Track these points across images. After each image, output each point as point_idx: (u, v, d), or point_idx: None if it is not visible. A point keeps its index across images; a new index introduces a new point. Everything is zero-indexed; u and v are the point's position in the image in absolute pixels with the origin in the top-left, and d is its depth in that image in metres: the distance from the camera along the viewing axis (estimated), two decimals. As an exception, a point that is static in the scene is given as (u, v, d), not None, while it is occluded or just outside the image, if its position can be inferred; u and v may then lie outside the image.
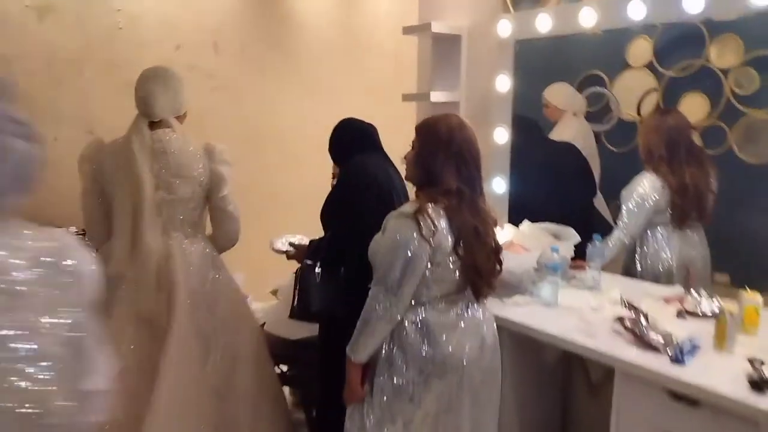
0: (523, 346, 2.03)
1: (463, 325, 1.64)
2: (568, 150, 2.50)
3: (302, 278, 1.98)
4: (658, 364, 1.60)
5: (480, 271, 1.63)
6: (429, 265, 1.58)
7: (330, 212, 2.11)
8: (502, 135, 2.38)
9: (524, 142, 2.43)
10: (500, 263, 1.72)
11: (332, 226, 2.09)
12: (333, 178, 2.37)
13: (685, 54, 2.20)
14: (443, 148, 1.60)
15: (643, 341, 1.72)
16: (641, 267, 2.34)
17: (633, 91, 2.35)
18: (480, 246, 1.62)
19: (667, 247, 2.30)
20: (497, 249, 1.71)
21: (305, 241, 2.37)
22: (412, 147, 1.70)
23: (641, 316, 1.84)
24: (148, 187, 1.93)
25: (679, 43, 2.25)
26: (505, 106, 2.36)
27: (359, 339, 1.64)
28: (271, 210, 3.49)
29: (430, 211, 1.56)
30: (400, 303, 1.59)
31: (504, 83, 2.33)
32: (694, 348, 1.66)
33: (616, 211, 2.56)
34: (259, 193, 3.51)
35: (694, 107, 2.20)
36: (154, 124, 2.01)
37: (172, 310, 1.90)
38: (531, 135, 2.50)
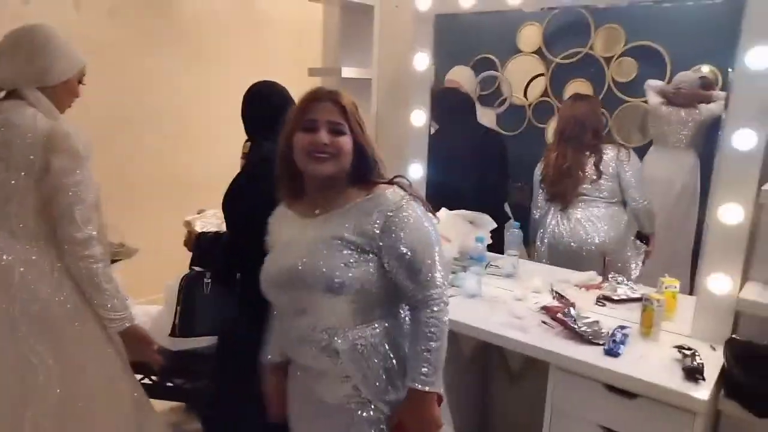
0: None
1: None
2: (492, 135, 2.42)
3: (186, 291, 1.64)
4: (593, 357, 1.57)
5: None
6: None
7: (231, 205, 1.75)
8: (419, 117, 2.22)
9: (450, 123, 2.31)
10: None
11: (231, 222, 1.74)
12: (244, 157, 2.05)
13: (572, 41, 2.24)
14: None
15: (575, 333, 1.69)
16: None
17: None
18: None
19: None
20: None
21: (207, 223, 1.95)
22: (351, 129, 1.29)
23: (569, 306, 1.82)
24: None
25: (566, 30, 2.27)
26: (422, 86, 2.20)
27: (443, 362, 1.25)
28: (150, 197, 3.07)
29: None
30: None
31: (422, 61, 2.17)
32: (624, 338, 1.65)
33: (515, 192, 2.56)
34: (137, 177, 3.07)
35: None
36: (10, 95, 1.63)
37: None
38: (459, 115, 2.37)
